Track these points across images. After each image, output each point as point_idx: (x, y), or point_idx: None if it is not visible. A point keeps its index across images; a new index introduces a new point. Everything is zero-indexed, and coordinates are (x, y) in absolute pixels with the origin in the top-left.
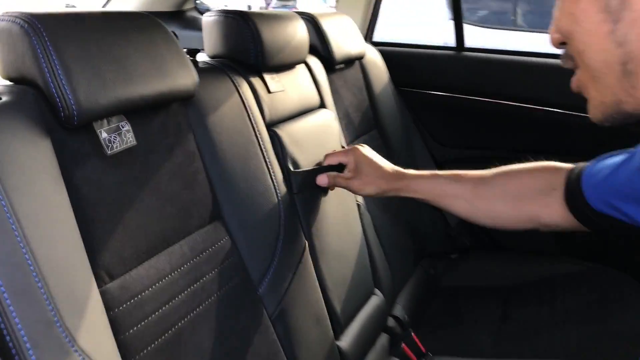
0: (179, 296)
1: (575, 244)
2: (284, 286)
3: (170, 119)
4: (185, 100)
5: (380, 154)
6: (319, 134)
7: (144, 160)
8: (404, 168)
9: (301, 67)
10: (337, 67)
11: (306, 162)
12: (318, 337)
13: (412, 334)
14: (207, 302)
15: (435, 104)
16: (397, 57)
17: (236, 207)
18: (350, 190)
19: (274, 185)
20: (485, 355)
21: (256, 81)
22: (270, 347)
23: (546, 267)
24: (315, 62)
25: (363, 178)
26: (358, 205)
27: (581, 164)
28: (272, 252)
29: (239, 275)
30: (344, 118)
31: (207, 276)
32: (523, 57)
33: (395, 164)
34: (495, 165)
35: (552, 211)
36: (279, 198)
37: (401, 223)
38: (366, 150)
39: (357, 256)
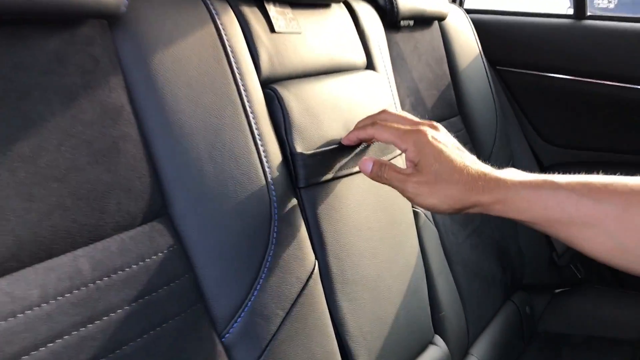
0: (63, 339)
1: None
2: (269, 331)
3: (76, 47)
4: (109, 21)
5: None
6: (355, 105)
7: (16, 111)
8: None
9: (338, 8)
10: (403, 23)
11: (325, 143)
12: None
13: None
14: (120, 353)
15: (543, 89)
16: (494, 27)
17: (195, 202)
18: (405, 196)
19: (264, 171)
20: None
21: (252, 12)
22: None
23: None
24: (365, 9)
25: (428, 179)
26: (416, 212)
27: None
28: (251, 276)
29: (190, 310)
30: (411, 95)
31: (124, 309)
32: None
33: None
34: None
35: None
36: (272, 193)
37: (486, 242)
38: (441, 135)
39: (408, 289)
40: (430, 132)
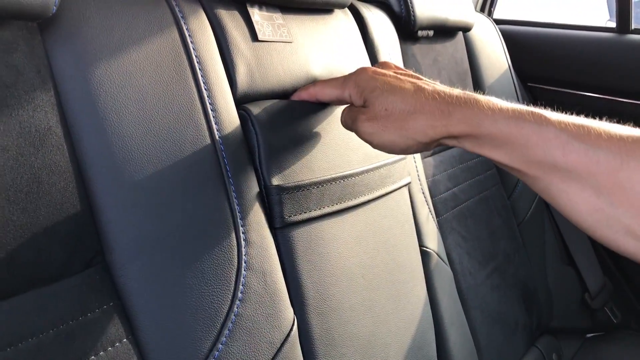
0: None
1: None
2: None
3: None
4: (39, 24)
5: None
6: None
7: None
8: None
9: (343, 14)
10: (421, 33)
11: (309, 175)
12: None
13: None
14: None
15: (580, 107)
16: (526, 39)
17: (139, 249)
18: (362, 138)
19: (232, 210)
20: None
21: (230, 17)
22: None
23: None
24: (377, 16)
25: (378, 113)
26: (426, 252)
27: None
28: (209, 340)
29: None
30: None
31: None
32: None
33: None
34: None
35: None
36: (241, 236)
37: (509, 282)
38: (387, 67)
39: (411, 344)
40: (371, 68)
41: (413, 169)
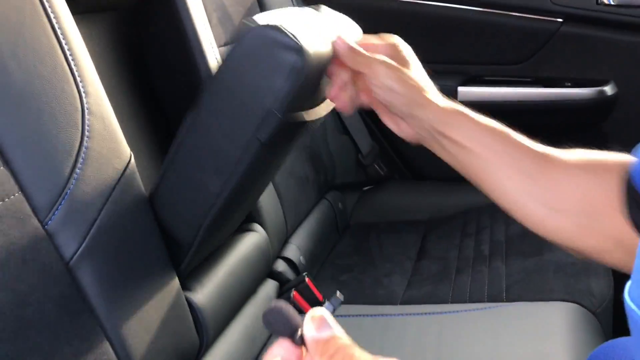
0: None
1: None
2: (89, 216)
3: None
4: None
5: None
6: None
7: None
8: None
9: None
10: None
11: None
12: (152, 286)
13: (307, 279)
14: None
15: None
16: None
17: (2, 97)
18: (369, 78)
19: (70, 67)
20: (397, 301)
21: None
22: (66, 303)
23: (471, 197)
24: None
25: (393, 67)
26: None
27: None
28: (68, 166)
29: (10, 200)
30: (218, 9)
31: None
32: None
33: None
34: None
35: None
36: (81, 88)
37: (299, 147)
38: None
39: None
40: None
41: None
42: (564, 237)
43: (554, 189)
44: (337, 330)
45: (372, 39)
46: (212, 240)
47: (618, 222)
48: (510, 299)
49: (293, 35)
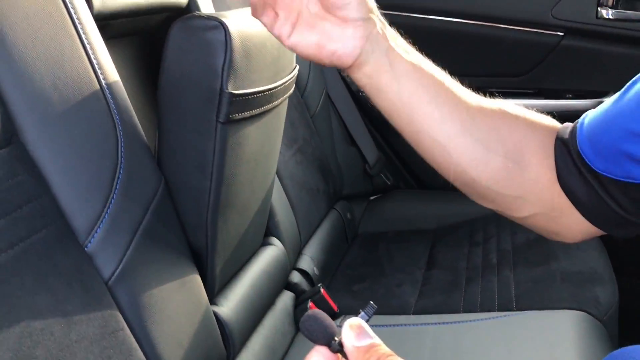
0: None
1: None
2: (126, 238)
3: None
4: None
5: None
6: None
7: None
8: None
9: None
10: None
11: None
12: (184, 303)
13: (322, 290)
14: None
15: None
16: None
17: (43, 127)
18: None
19: (105, 97)
20: (410, 311)
21: None
22: (107, 321)
23: (476, 206)
24: None
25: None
26: None
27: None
28: (106, 191)
29: (53, 225)
30: None
31: None
32: None
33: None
34: None
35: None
36: (115, 115)
37: (309, 159)
38: None
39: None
40: None
41: None
42: (489, 177)
43: (489, 128)
44: (376, 339)
45: None
46: (232, 251)
47: (543, 177)
48: (520, 307)
49: (209, 16)
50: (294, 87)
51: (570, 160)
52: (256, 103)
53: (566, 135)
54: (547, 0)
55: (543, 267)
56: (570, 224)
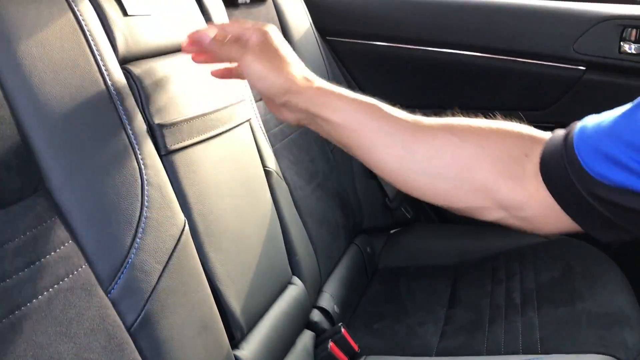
0: None
1: None
2: (149, 284)
3: None
4: None
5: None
6: (204, 80)
7: None
8: None
9: None
10: (240, 0)
11: (181, 114)
12: (205, 348)
13: (343, 329)
14: (14, 317)
15: (371, 56)
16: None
17: (69, 175)
18: (242, 69)
19: (131, 143)
20: (432, 352)
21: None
22: None
23: (499, 241)
24: None
25: (264, 58)
26: (268, 171)
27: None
28: (129, 236)
29: (77, 272)
30: None
31: (17, 274)
32: None
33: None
34: None
35: (517, 186)
36: (140, 162)
37: (329, 194)
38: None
39: (266, 237)
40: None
41: (251, 110)
42: (443, 199)
43: (427, 156)
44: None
45: (245, 24)
46: (250, 291)
47: (490, 178)
48: (545, 350)
49: None
50: (248, 115)
51: (562, 163)
52: (192, 129)
53: (560, 139)
54: (568, 35)
55: (568, 308)
56: (548, 220)
